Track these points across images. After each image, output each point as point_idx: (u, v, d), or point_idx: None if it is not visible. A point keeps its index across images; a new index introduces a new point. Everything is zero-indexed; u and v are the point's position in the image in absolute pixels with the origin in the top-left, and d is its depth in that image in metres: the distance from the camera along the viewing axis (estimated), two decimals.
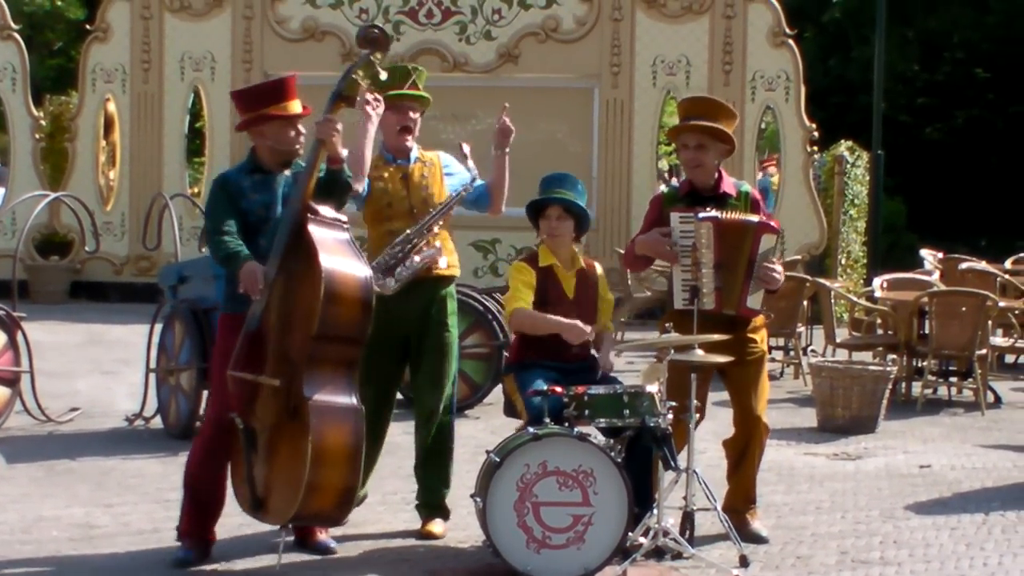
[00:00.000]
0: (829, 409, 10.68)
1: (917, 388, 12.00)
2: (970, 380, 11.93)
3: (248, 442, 6.50)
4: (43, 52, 31.29)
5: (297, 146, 6.83)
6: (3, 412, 10.00)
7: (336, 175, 6.71)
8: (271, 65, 18.89)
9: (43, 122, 19.89)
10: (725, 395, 7.57)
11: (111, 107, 19.69)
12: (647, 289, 15.15)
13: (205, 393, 9.69)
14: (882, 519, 7.89)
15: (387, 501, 7.98)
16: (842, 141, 19.60)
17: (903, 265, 17.60)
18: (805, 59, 19.07)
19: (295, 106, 6.81)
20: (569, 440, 6.38)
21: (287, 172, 6.83)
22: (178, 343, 9.98)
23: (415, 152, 7.49)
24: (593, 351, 7.26)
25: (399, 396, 8.02)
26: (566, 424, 6.48)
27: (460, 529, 7.35)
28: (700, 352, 6.78)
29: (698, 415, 6.93)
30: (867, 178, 19.53)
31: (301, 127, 6.84)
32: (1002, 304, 12.23)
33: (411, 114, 7.44)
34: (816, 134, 18.58)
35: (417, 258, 7.25)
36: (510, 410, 7.28)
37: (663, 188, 7.63)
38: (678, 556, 6.72)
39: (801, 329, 13.54)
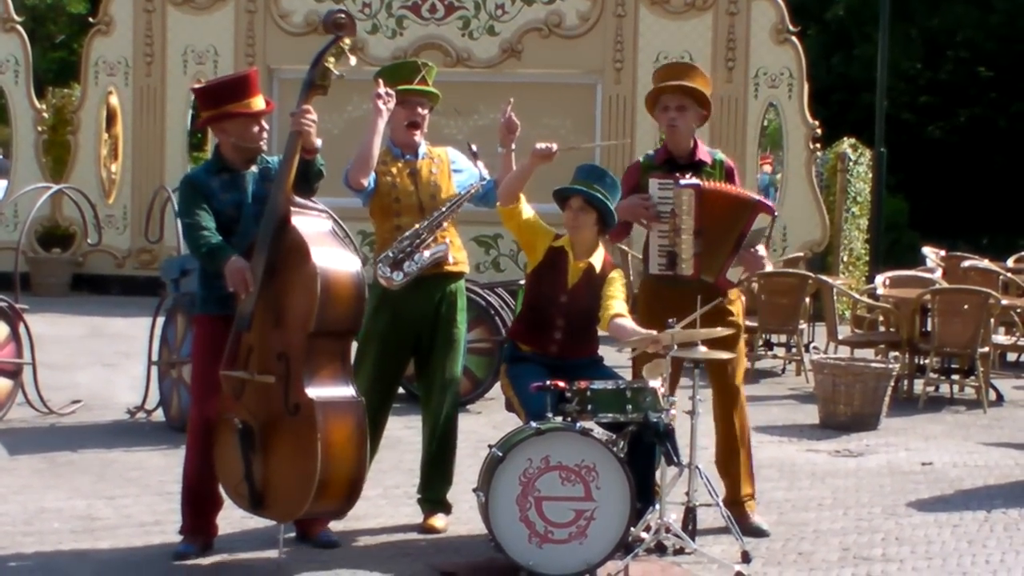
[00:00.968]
0: (831, 406, 10.68)
1: (919, 385, 12.00)
2: (972, 378, 11.93)
3: (246, 442, 6.45)
4: (46, 45, 31.31)
5: (261, 142, 6.77)
6: (5, 404, 10.00)
7: (308, 165, 6.64)
8: (273, 59, 18.90)
9: (45, 115, 19.88)
10: None
11: (113, 100, 19.67)
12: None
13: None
14: (884, 516, 7.89)
15: (389, 495, 7.98)
16: (845, 139, 19.59)
17: (904, 263, 17.61)
18: (808, 56, 19.06)
19: (258, 102, 6.74)
20: (572, 435, 6.37)
21: (254, 168, 6.77)
22: (180, 336, 9.98)
23: (423, 148, 7.45)
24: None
25: (400, 390, 8.01)
26: (569, 419, 6.47)
27: (462, 523, 7.35)
28: (703, 349, 6.77)
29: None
30: (870, 176, 19.52)
31: (265, 123, 6.77)
32: (1004, 302, 12.22)
33: (420, 109, 7.40)
34: (819, 131, 18.58)
35: (427, 253, 7.21)
36: (511, 405, 7.27)
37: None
38: (680, 551, 6.72)
39: (803, 326, 13.53)
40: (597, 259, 7.05)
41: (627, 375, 7.21)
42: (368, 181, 7.19)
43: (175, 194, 11.88)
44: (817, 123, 18.62)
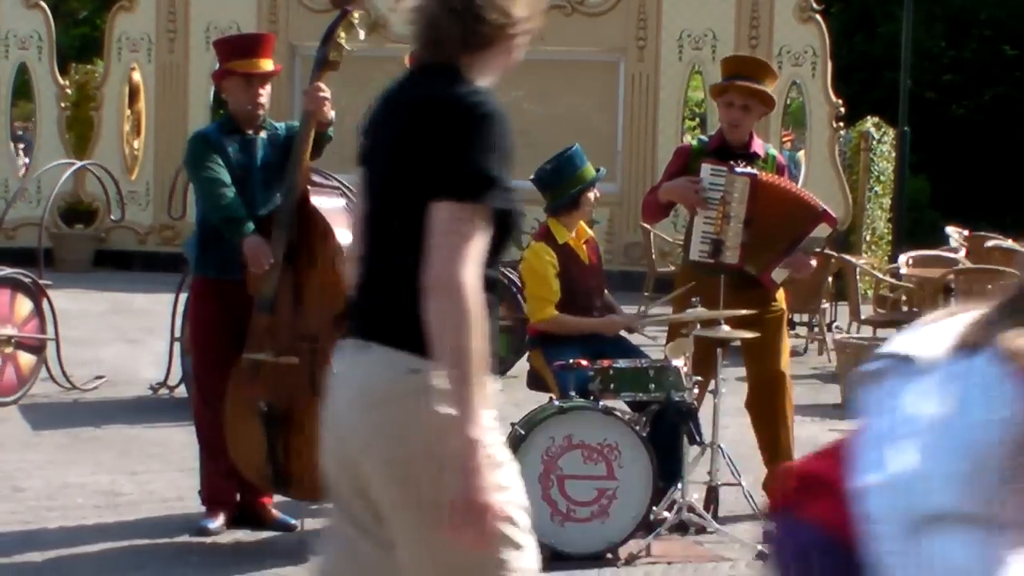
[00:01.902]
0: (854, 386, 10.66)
1: None
2: None
3: (271, 423, 6.41)
4: (68, 21, 31.32)
5: (251, 106, 6.69)
6: (29, 379, 10.03)
7: (320, 136, 6.60)
8: (296, 36, 18.89)
9: (68, 91, 19.92)
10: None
11: (136, 76, 19.71)
12: (671, 264, 15.13)
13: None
14: None
15: None
16: (868, 118, 19.52)
17: (928, 242, 17.53)
18: (831, 35, 18.98)
19: (261, 64, 6.70)
20: (594, 414, 6.37)
21: (263, 134, 6.74)
22: None
23: None
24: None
25: None
26: (591, 398, 6.47)
27: None
28: (726, 328, 6.77)
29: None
30: (893, 155, 19.45)
31: (263, 89, 6.72)
32: None
33: None
34: (842, 110, 18.51)
35: None
36: (534, 383, 7.28)
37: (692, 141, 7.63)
38: (702, 531, 6.72)
39: (826, 305, 13.52)
40: (585, 232, 7.30)
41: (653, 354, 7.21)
42: None
43: None
44: (840, 102, 18.55)
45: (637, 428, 6.41)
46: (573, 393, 6.48)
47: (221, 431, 6.65)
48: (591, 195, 7.16)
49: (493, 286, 3.34)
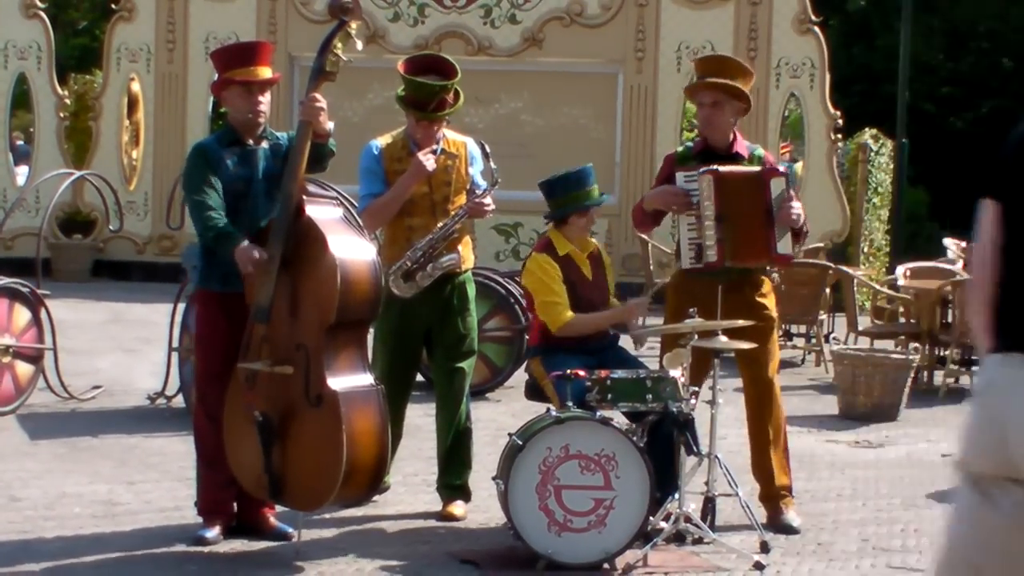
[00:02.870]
0: (851, 397, 10.67)
1: (939, 377, 11.99)
2: None
3: (265, 433, 6.41)
4: (68, 31, 31.36)
5: (251, 115, 6.67)
6: (26, 389, 10.03)
7: (320, 148, 6.60)
8: (295, 46, 18.91)
9: (67, 101, 19.90)
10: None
11: (135, 87, 19.71)
12: (669, 275, 15.12)
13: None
14: (903, 507, 7.89)
15: (408, 482, 7.99)
16: (866, 129, 19.53)
17: (924, 254, 17.54)
18: (830, 47, 19.00)
19: (259, 72, 6.67)
20: (592, 424, 6.38)
21: (265, 144, 6.73)
22: None
23: (441, 143, 7.35)
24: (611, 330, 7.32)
25: (419, 378, 8.01)
26: (589, 408, 6.48)
27: (481, 511, 7.37)
28: (724, 339, 6.78)
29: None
30: (891, 167, 19.47)
31: (262, 97, 6.69)
32: None
33: (435, 127, 7.27)
34: (840, 122, 18.53)
35: (440, 262, 7.18)
36: (532, 393, 7.29)
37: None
38: (699, 541, 6.72)
39: (823, 317, 13.52)
40: (589, 244, 7.37)
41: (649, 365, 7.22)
42: (381, 186, 7.19)
43: None
44: (839, 114, 18.56)
45: (634, 438, 6.41)
46: (571, 403, 6.48)
47: (221, 442, 6.66)
48: (583, 220, 7.19)
49: None
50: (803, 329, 13.93)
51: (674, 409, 6.50)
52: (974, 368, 12.33)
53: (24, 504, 7.43)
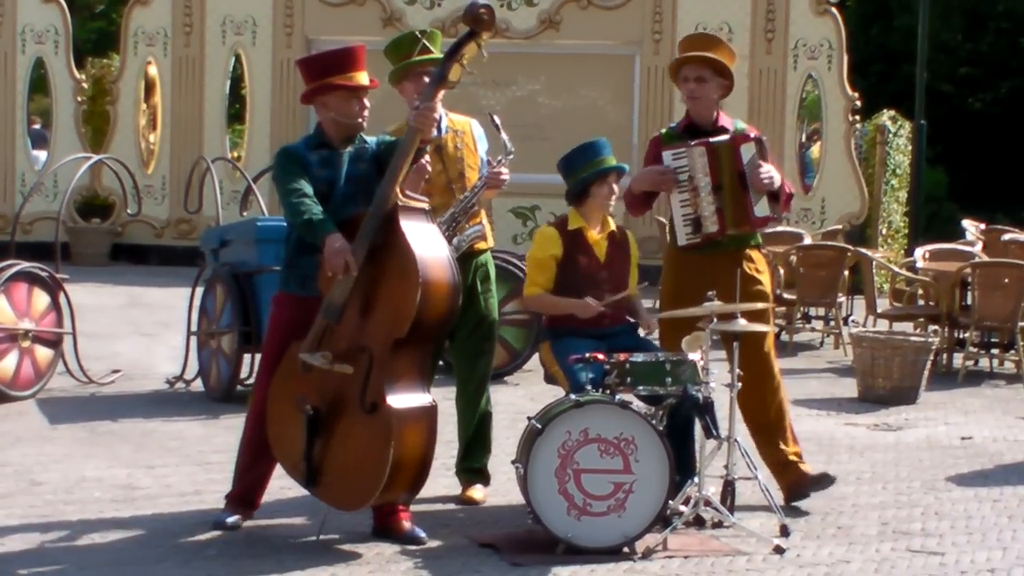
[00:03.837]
0: (870, 380, 10.64)
1: (958, 359, 11.95)
2: (1012, 352, 11.86)
3: (313, 427, 6.37)
4: (85, 15, 31.37)
5: (360, 119, 6.61)
6: (46, 373, 10.06)
7: (417, 153, 6.53)
8: (312, 30, 18.91)
9: (85, 85, 19.94)
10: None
11: (152, 70, 19.73)
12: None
13: (246, 357, 9.77)
14: (923, 490, 7.87)
15: None
16: (884, 111, 19.47)
17: (943, 235, 17.51)
18: (847, 27, 18.94)
19: (361, 77, 6.59)
20: (611, 408, 6.37)
21: (351, 148, 6.65)
22: (219, 306, 10.02)
23: (445, 121, 7.30)
24: (628, 316, 7.27)
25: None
26: (608, 391, 6.47)
27: (500, 495, 7.37)
28: (743, 321, 6.77)
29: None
30: (909, 148, 19.41)
31: (366, 100, 6.63)
32: None
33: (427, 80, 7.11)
34: (858, 103, 18.48)
35: (465, 234, 7.17)
36: (550, 377, 7.28)
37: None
38: (718, 525, 6.72)
39: (842, 299, 13.50)
40: (612, 225, 7.26)
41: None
42: None
43: (214, 165, 11.97)
44: (856, 95, 18.52)
45: (653, 422, 6.40)
46: (589, 387, 6.47)
47: (266, 455, 6.66)
48: (604, 188, 7.12)
49: None
50: (822, 312, 13.91)
51: (693, 392, 6.49)
52: (993, 351, 12.31)
53: (44, 488, 7.44)
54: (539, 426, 6.38)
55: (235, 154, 19.93)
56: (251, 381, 9.20)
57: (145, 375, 10.87)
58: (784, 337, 13.14)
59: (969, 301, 11.85)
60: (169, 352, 11.46)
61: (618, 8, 18.69)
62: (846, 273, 13.45)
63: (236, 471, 6.85)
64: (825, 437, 9.24)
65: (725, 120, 7.37)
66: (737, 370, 6.84)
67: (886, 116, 19.11)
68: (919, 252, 13.24)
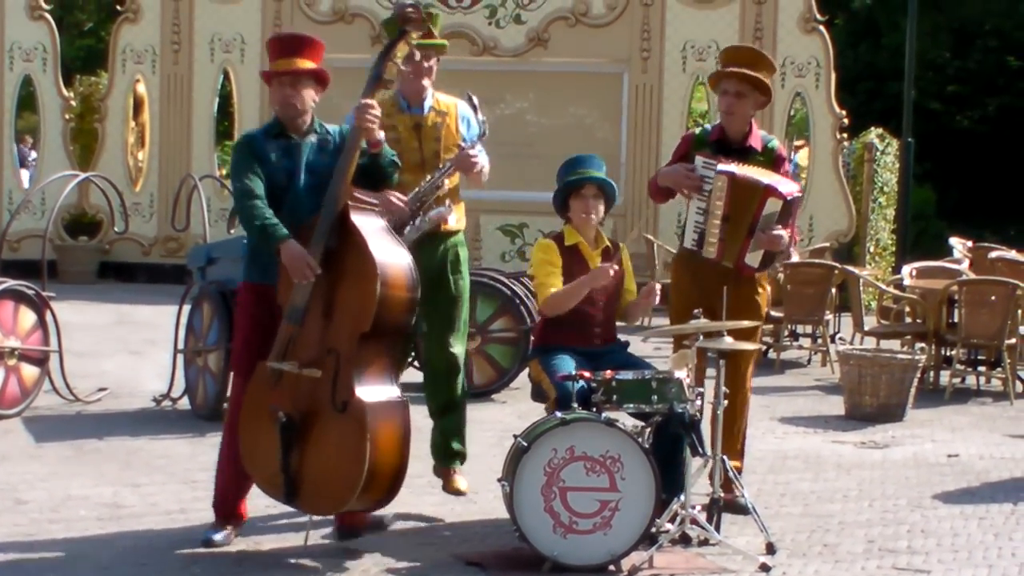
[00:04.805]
0: (857, 397, 10.65)
1: (945, 377, 11.96)
2: (999, 369, 11.87)
3: (287, 434, 6.37)
4: (73, 32, 31.39)
5: (292, 105, 6.59)
6: (32, 391, 10.03)
7: (376, 159, 6.58)
8: None
9: (73, 102, 19.93)
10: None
11: (140, 88, 19.73)
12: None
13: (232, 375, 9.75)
14: (910, 508, 7.87)
15: (411, 484, 7.92)
16: (872, 128, 19.51)
17: (931, 253, 17.52)
18: (835, 45, 19.00)
19: (299, 63, 6.58)
20: (597, 425, 6.37)
21: (312, 138, 6.67)
22: (206, 324, 10.00)
23: (430, 101, 7.32)
24: (620, 336, 7.28)
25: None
26: (594, 409, 6.47)
27: (486, 513, 7.36)
28: (729, 340, 6.77)
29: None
30: (897, 166, 19.45)
31: (306, 92, 6.60)
32: None
33: (425, 63, 7.21)
34: (846, 121, 18.52)
35: (431, 214, 7.16)
36: (537, 395, 7.27)
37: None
38: (705, 542, 6.71)
39: (829, 317, 13.50)
40: (606, 240, 7.25)
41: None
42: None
43: (201, 182, 11.97)
44: (844, 113, 18.56)
45: (640, 440, 6.40)
46: (575, 404, 6.47)
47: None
48: (579, 203, 7.10)
49: None
50: (809, 329, 13.92)
51: (679, 410, 6.49)
52: (981, 368, 12.33)
53: (30, 507, 7.42)
54: (525, 444, 6.38)
55: (223, 172, 19.91)
56: None
57: (131, 393, 10.84)
58: (771, 355, 13.16)
59: (956, 319, 11.87)
60: (156, 370, 11.43)
61: (606, 26, 18.73)
62: (834, 291, 13.48)
63: (219, 482, 6.83)
64: (812, 454, 9.24)
65: (756, 137, 7.43)
66: (723, 387, 6.85)
67: (874, 134, 19.14)
68: (906, 270, 13.26)
